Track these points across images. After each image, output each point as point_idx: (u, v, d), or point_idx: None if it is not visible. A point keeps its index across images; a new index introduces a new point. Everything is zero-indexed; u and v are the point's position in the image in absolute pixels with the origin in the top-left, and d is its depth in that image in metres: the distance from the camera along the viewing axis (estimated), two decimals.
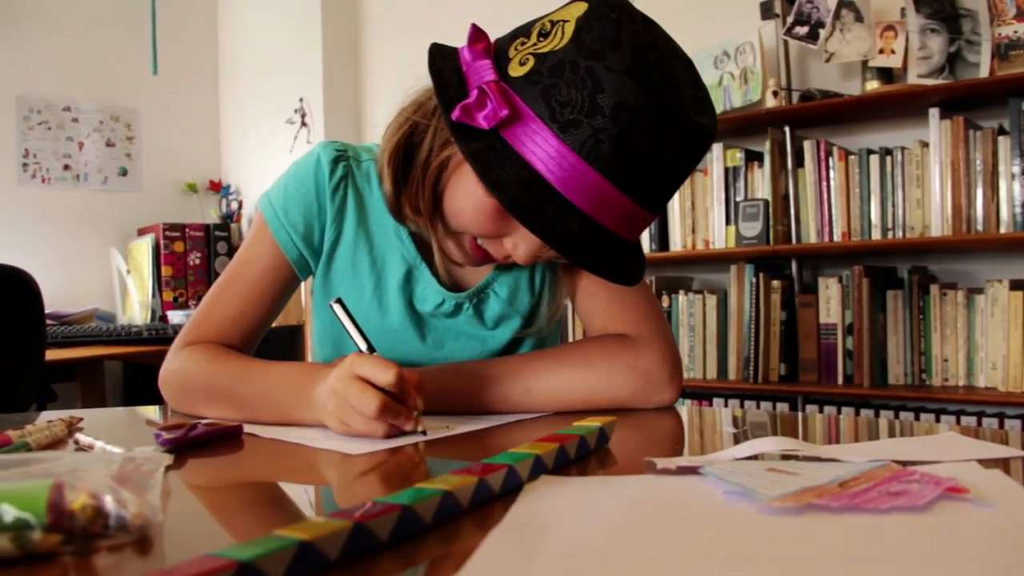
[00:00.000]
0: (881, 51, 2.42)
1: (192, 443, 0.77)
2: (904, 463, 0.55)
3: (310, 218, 1.02)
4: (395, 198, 0.97)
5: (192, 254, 3.86)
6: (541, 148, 0.77)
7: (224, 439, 0.81)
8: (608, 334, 1.00)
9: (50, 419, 0.91)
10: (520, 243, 0.87)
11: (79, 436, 0.79)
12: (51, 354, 2.75)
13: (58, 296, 3.63)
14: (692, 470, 0.56)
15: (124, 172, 3.98)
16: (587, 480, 0.58)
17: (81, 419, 0.95)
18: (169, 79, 4.08)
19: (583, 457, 0.65)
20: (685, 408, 1.00)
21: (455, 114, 0.78)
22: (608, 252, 0.82)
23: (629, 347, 0.96)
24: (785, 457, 0.61)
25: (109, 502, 0.47)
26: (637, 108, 0.75)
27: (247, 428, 0.84)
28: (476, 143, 0.79)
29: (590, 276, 1.01)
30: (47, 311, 3.37)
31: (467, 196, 0.87)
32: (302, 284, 1.13)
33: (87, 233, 3.85)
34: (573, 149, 0.76)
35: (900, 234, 2.37)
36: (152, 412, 1.13)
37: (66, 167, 3.81)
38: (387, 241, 1.03)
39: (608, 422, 0.69)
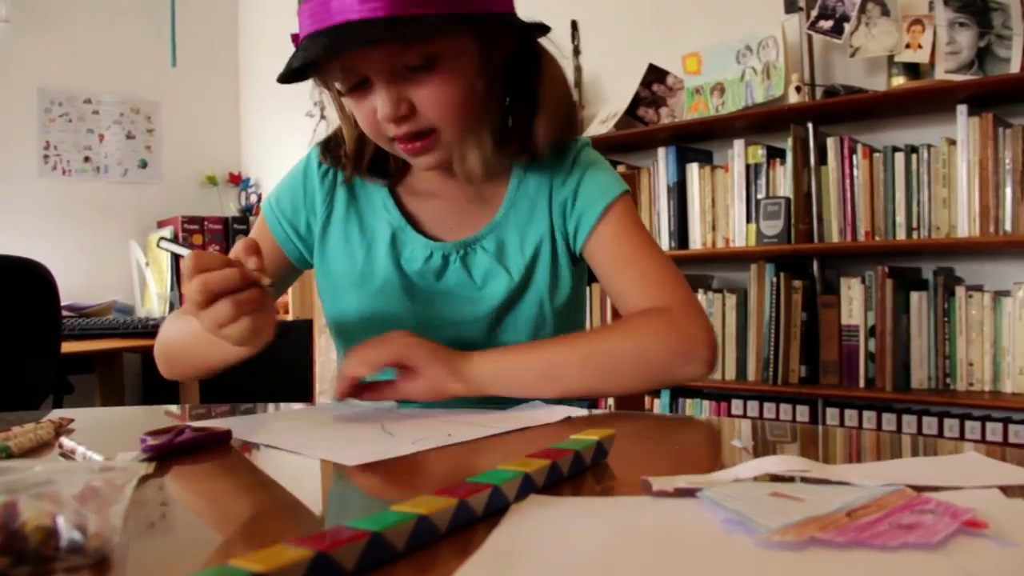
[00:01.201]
0: (908, 46, 2.36)
1: (177, 449, 0.74)
2: (920, 488, 0.51)
3: (297, 204, 1.10)
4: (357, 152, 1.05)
5: (210, 247, 3.85)
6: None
7: (212, 445, 0.78)
8: (645, 309, 0.99)
9: (39, 420, 0.89)
10: (374, 92, 0.92)
11: (64, 440, 0.76)
12: (68, 347, 2.76)
13: (77, 288, 3.64)
14: (690, 492, 0.53)
15: (144, 164, 3.99)
16: (576, 501, 0.54)
17: (71, 420, 0.93)
18: (190, 71, 4.08)
19: (578, 474, 0.62)
20: (702, 414, 0.96)
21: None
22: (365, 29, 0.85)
23: (668, 314, 0.95)
24: (791, 479, 0.57)
25: (62, 523, 0.44)
26: None
27: (237, 434, 0.82)
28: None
29: (617, 255, 1.02)
30: (65, 303, 3.38)
31: (353, 110, 0.98)
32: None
33: (107, 225, 3.85)
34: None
35: (925, 234, 2.31)
36: (157, 412, 1.11)
37: (87, 159, 3.82)
38: (375, 213, 1.08)
39: (606, 435, 0.65)
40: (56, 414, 0.94)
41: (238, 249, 0.83)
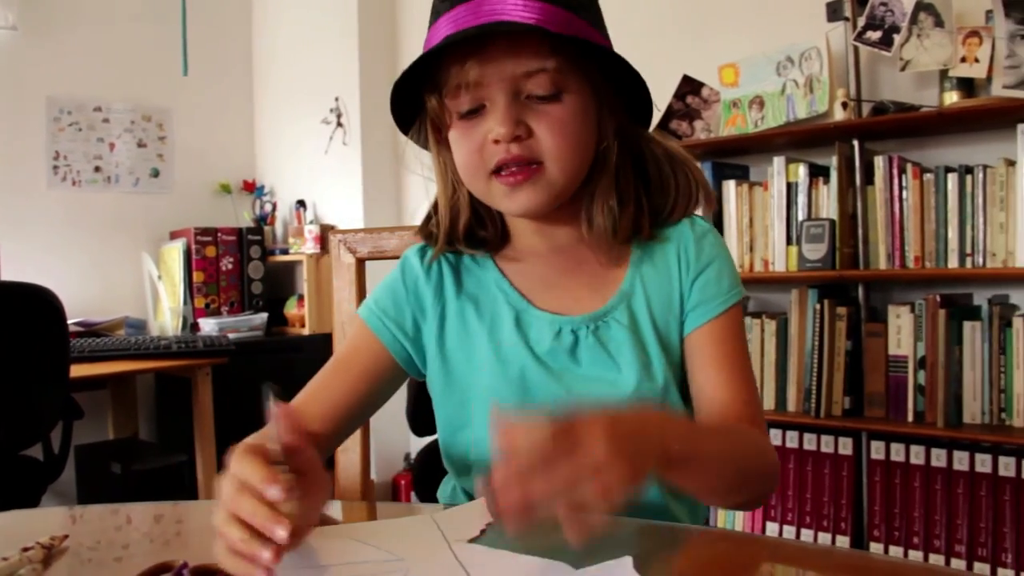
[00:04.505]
0: (963, 59, 2.21)
1: None
2: None
3: (399, 301, 1.01)
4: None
5: (224, 259, 3.74)
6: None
7: None
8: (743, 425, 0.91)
9: (27, 546, 0.78)
10: (487, 117, 0.89)
11: None
12: (78, 370, 2.65)
13: (88, 303, 3.54)
14: None
15: (156, 173, 3.87)
16: None
17: (65, 537, 0.83)
18: (202, 78, 3.95)
19: None
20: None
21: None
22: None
23: (766, 438, 0.92)
24: None
25: None
26: None
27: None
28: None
29: (716, 355, 0.94)
30: (76, 320, 3.28)
31: (454, 146, 0.93)
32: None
33: (118, 237, 3.74)
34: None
35: (980, 261, 2.17)
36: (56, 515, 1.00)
37: (97, 169, 3.70)
38: (490, 295, 0.98)
39: None
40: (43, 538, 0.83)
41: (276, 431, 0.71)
